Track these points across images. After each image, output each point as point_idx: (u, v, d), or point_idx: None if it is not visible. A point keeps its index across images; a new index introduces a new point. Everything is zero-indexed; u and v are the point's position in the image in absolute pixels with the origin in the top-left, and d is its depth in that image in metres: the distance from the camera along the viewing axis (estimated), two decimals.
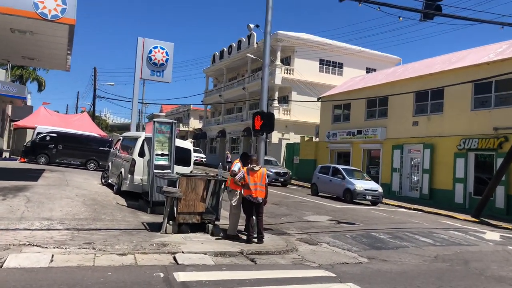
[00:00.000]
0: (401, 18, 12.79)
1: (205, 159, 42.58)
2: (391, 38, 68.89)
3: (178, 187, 8.99)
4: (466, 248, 10.27)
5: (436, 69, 22.16)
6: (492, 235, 12.82)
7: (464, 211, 18.08)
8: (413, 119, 23.18)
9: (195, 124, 63.10)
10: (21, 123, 30.53)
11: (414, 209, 18.32)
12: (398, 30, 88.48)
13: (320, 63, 38.09)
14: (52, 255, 6.42)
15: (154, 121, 11.65)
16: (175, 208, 8.95)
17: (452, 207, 19.17)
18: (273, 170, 25.40)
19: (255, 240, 8.64)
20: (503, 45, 20.48)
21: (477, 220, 15.97)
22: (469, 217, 16.33)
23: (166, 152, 11.37)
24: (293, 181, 27.82)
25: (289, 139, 35.54)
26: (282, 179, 25.79)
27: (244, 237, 8.82)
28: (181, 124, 64.33)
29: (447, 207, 19.24)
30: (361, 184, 19.13)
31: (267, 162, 26.48)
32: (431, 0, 12.63)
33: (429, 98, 22.37)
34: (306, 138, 32.93)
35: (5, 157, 27.91)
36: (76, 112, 47.90)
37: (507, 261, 9.02)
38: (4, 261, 5.98)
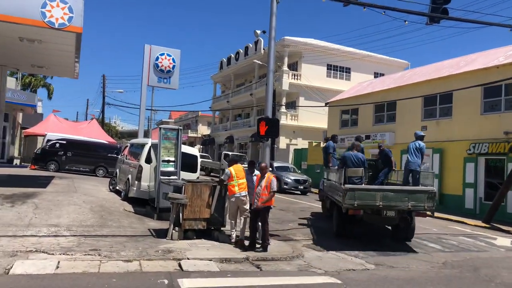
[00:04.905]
0: (406, 22, 12.77)
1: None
2: (399, 43, 68.67)
3: (184, 193, 9.00)
4: (476, 255, 10.11)
5: (445, 73, 21.96)
6: (504, 241, 12.62)
7: (474, 216, 17.82)
8: (421, 123, 22.95)
9: (203, 130, 63.25)
10: (31, 130, 30.88)
11: None
12: (406, 34, 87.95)
13: (327, 68, 38.03)
14: (58, 262, 6.46)
15: (160, 128, 11.71)
16: (180, 214, 8.96)
17: (462, 213, 18.91)
18: (292, 178, 23.97)
19: (258, 246, 8.60)
20: None
21: (488, 225, 15.72)
22: (479, 223, 16.10)
23: (172, 158, 11.42)
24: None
25: (297, 145, 35.46)
26: (302, 187, 23.97)
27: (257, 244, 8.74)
28: (189, 131, 64.51)
29: (457, 212, 18.98)
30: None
31: (284, 169, 25.27)
32: (438, 3, 12.56)
33: (437, 102, 22.17)
34: (314, 144, 32.79)
35: (16, 164, 28.23)
36: (86, 119, 48.33)
37: None
38: (11, 267, 6.03)
